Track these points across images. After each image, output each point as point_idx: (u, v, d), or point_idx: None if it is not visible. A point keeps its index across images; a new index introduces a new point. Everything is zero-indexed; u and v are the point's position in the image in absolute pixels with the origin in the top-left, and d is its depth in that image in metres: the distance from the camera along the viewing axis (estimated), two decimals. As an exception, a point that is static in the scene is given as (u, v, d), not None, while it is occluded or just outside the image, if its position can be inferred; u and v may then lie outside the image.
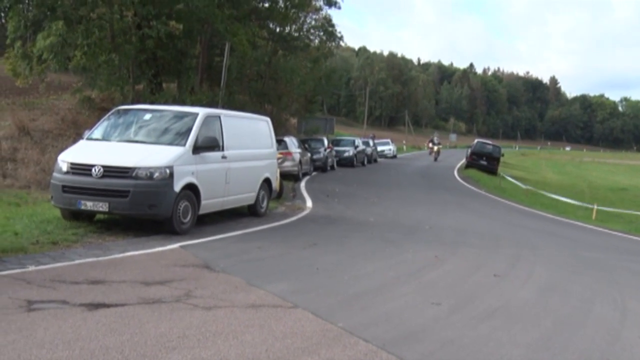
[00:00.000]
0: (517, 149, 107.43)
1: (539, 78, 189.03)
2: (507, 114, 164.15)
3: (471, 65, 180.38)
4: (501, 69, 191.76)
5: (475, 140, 40.81)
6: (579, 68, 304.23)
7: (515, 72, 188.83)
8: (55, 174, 8.86)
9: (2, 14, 41.60)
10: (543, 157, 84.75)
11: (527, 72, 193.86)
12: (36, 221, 8.75)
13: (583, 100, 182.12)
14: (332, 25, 34.80)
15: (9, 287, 5.44)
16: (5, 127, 17.60)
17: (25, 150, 16.09)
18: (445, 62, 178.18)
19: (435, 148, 44.50)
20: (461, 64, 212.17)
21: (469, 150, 38.24)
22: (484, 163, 35.18)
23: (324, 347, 4.45)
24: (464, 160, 40.34)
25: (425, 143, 51.33)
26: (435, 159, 43.04)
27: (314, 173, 24.45)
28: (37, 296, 5.22)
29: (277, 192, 13.28)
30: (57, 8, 17.85)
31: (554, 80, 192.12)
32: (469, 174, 33.07)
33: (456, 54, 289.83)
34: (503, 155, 37.51)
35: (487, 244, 10.50)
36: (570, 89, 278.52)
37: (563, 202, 21.97)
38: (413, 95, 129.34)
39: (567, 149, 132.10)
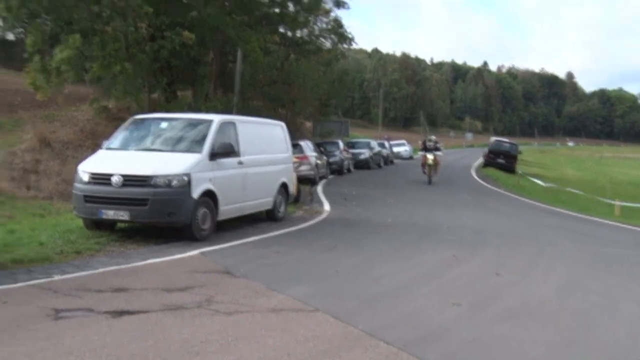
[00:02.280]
0: (535, 145, 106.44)
1: (555, 74, 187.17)
2: (524, 110, 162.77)
3: (485, 63, 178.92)
4: (515, 66, 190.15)
5: (492, 139, 40.57)
6: (595, 62, 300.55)
7: (530, 69, 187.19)
8: (76, 184, 9.00)
9: (22, 29, 42.39)
10: (562, 153, 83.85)
11: (542, 68, 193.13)
12: (60, 231, 8.91)
13: (601, 95, 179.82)
14: (342, 27, 34.82)
15: (36, 297, 5.57)
16: (27, 140, 17.96)
17: (46, 162, 16.41)
18: (459, 61, 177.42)
19: (431, 158, 23.21)
20: (475, 62, 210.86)
21: (486, 149, 38.05)
22: (501, 161, 34.99)
23: (345, 349, 4.49)
24: (481, 159, 40.10)
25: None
26: (430, 181, 23.11)
27: (330, 176, 24.50)
28: (63, 305, 5.34)
29: (294, 196, 13.35)
30: (73, 22, 18.18)
31: (570, 76, 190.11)
32: (487, 172, 32.88)
33: (469, 52, 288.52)
34: (521, 152, 37.30)
35: (506, 242, 10.45)
36: (588, 84, 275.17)
37: (584, 198, 21.75)
38: (427, 95, 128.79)
39: (570, 144, 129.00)
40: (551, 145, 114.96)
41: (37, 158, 16.35)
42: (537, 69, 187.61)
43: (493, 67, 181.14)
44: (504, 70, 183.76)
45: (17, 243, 8.00)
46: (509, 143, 37.69)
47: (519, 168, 34.68)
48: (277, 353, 4.33)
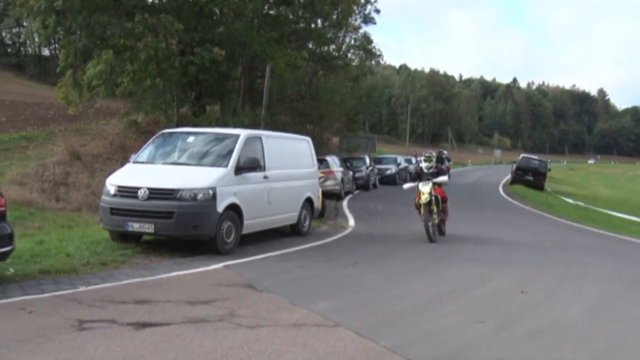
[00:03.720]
0: (564, 163, 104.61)
1: (586, 91, 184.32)
2: (554, 128, 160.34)
3: (514, 79, 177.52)
4: (546, 83, 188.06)
5: (521, 155, 40.01)
6: (628, 79, 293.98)
7: (560, 86, 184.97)
8: (103, 197, 9.16)
9: (55, 44, 43.65)
10: (593, 171, 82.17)
11: (574, 85, 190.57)
12: (87, 243, 9.05)
13: (634, 112, 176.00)
14: (370, 43, 35.00)
15: (61, 307, 5.65)
16: (58, 153, 18.39)
17: (76, 175, 16.75)
18: (488, 78, 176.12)
19: (426, 192, 11.33)
20: (504, 79, 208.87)
21: (514, 166, 37.54)
22: (529, 178, 34.43)
23: (366, 366, 4.42)
24: (509, 176, 39.55)
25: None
26: (433, 235, 11.33)
27: (356, 191, 24.43)
28: (87, 316, 5.40)
29: (319, 211, 13.33)
30: (106, 38, 18.63)
31: (602, 93, 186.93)
32: (514, 189, 32.39)
33: (499, 69, 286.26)
34: (550, 170, 36.63)
35: (534, 260, 10.23)
36: (620, 101, 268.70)
37: (616, 217, 21.22)
38: (456, 112, 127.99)
39: (591, 161, 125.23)
40: (580, 163, 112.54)
41: (67, 170, 16.73)
42: (568, 86, 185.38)
43: (523, 84, 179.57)
44: (534, 87, 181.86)
45: (45, 254, 8.14)
46: (538, 160, 37.11)
47: (548, 186, 34.08)
48: (297, 369, 4.28)
